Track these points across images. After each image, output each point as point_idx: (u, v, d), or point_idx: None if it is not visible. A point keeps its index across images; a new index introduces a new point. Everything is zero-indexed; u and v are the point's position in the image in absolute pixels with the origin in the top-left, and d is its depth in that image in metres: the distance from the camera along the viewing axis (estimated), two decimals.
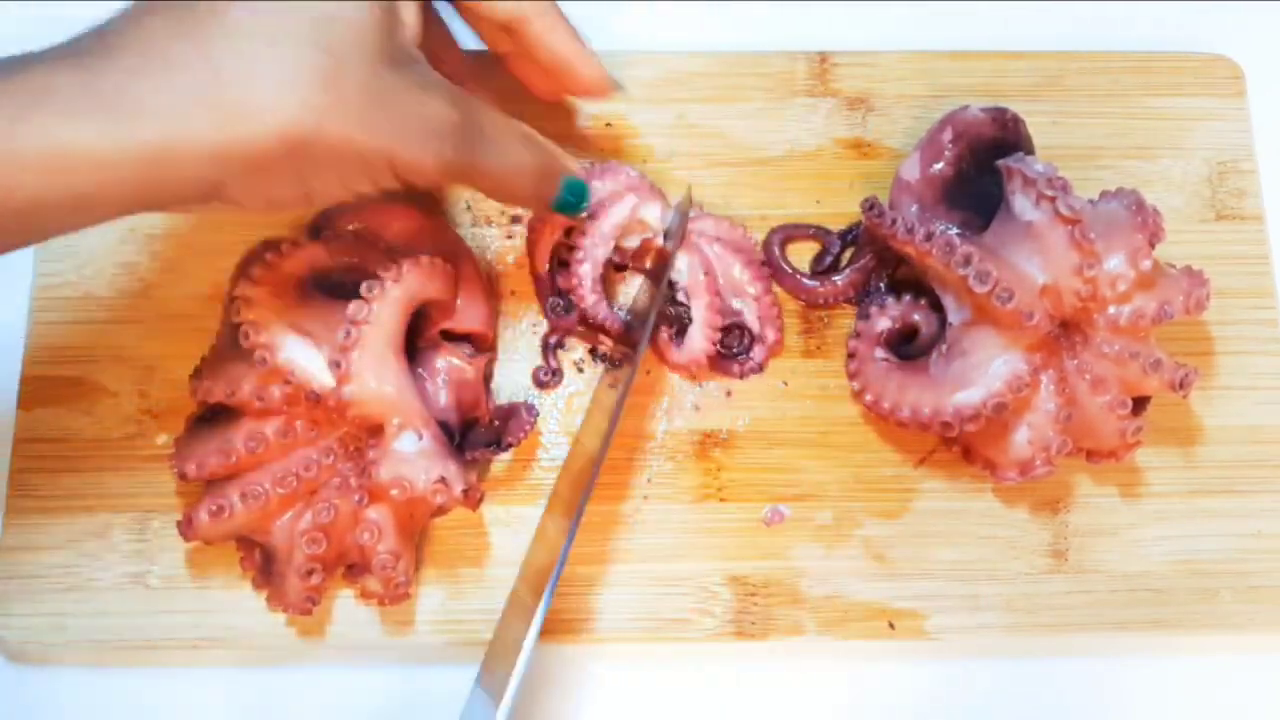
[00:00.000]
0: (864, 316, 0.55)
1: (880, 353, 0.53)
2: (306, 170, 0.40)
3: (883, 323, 0.54)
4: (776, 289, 0.56)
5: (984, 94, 0.58)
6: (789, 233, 0.57)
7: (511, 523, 0.53)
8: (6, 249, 0.39)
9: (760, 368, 0.55)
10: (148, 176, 0.37)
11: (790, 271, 0.56)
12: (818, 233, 0.57)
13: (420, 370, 0.51)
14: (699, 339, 0.54)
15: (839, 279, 0.56)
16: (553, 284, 0.54)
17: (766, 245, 0.57)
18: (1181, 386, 0.50)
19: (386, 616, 0.52)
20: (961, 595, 0.53)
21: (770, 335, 0.55)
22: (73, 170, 0.36)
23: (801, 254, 0.57)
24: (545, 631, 0.52)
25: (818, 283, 0.56)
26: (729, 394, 0.55)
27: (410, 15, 0.43)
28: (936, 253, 0.50)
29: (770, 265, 0.56)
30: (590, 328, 0.55)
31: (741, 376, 0.55)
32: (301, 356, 0.48)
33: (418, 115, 0.42)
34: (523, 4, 0.48)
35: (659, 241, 0.55)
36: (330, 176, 0.41)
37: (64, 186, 0.37)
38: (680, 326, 0.54)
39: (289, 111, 0.38)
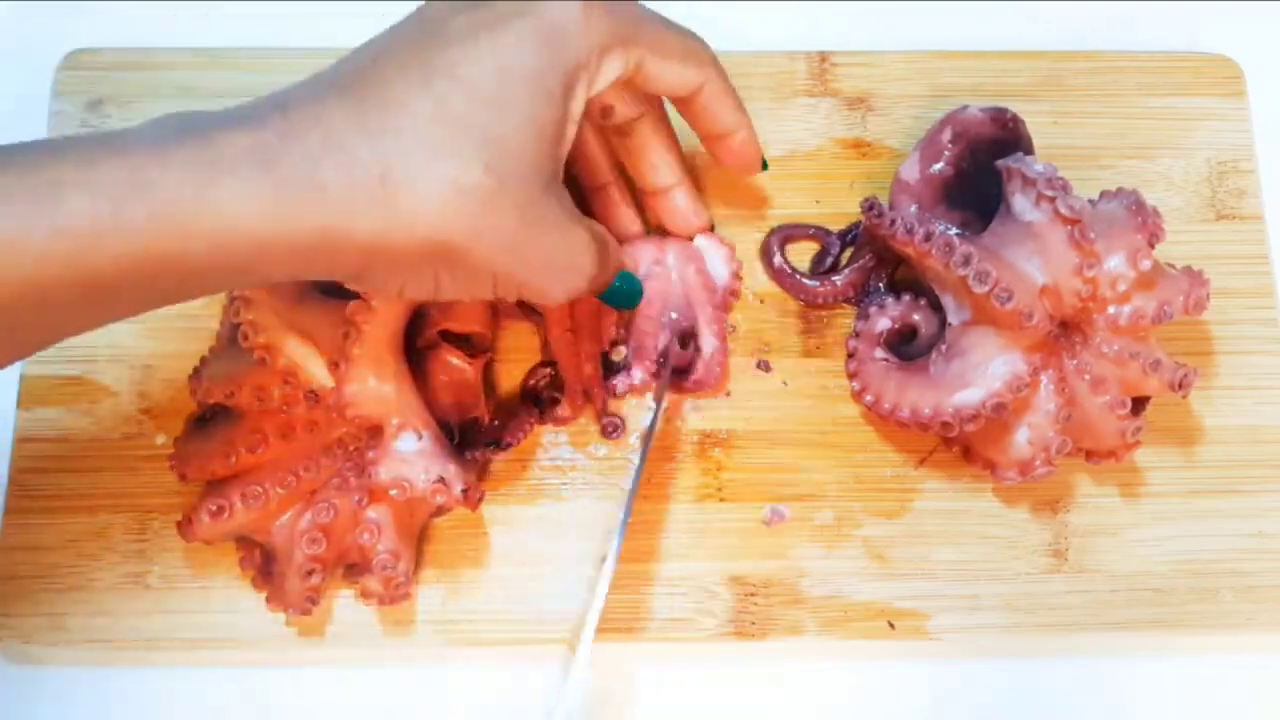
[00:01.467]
0: (864, 316, 0.55)
1: (880, 353, 0.53)
2: (444, 276, 0.41)
3: (882, 323, 0.54)
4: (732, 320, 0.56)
5: (984, 94, 0.58)
6: (789, 233, 0.57)
7: (511, 523, 0.53)
8: (150, 306, 0.39)
9: (715, 384, 0.55)
10: (305, 257, 0.38)
11: (790, 272, 0.56)
12: (817, 233, 0.57)
13: (419, 370, 0.51)
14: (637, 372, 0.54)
15: (839, 279, 0.56)
16: (600, 398, 0.54)
17: (766, 245, 0.57)
18: (1181, 386, 0.50)
19: (386, 616, 0.52)
20: (961, 595, 0.53)
21: (710, 344, 0.54)
22: (238, 246, 0.37)
23: (801, 254, 0.57)
24: (543, 632, 0.52)
25: (818, 283, 0.56)
26: (728, 394, 0.55)
27: (571, 136, 0.43)
28: (936, 253, 0.50)
29: (770, 266, 0.56)
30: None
31: (694, 392, 0.55)
32: (301, 356, 0.48)
33: (563, 248, 0.43)
34: (699, 72, 0.48)
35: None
36: (463, 284, 0.42)
37: (226, 258, 0.37)
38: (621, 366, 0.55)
39: (443, 225, 0.39)
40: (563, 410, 0.54)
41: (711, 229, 0.56)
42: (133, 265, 0.36)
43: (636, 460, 0.52)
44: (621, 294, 0.49)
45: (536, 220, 0.41)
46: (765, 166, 0.53)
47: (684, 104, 0.49)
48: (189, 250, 0.36)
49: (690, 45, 0.47)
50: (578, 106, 0.42)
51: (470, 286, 0.42)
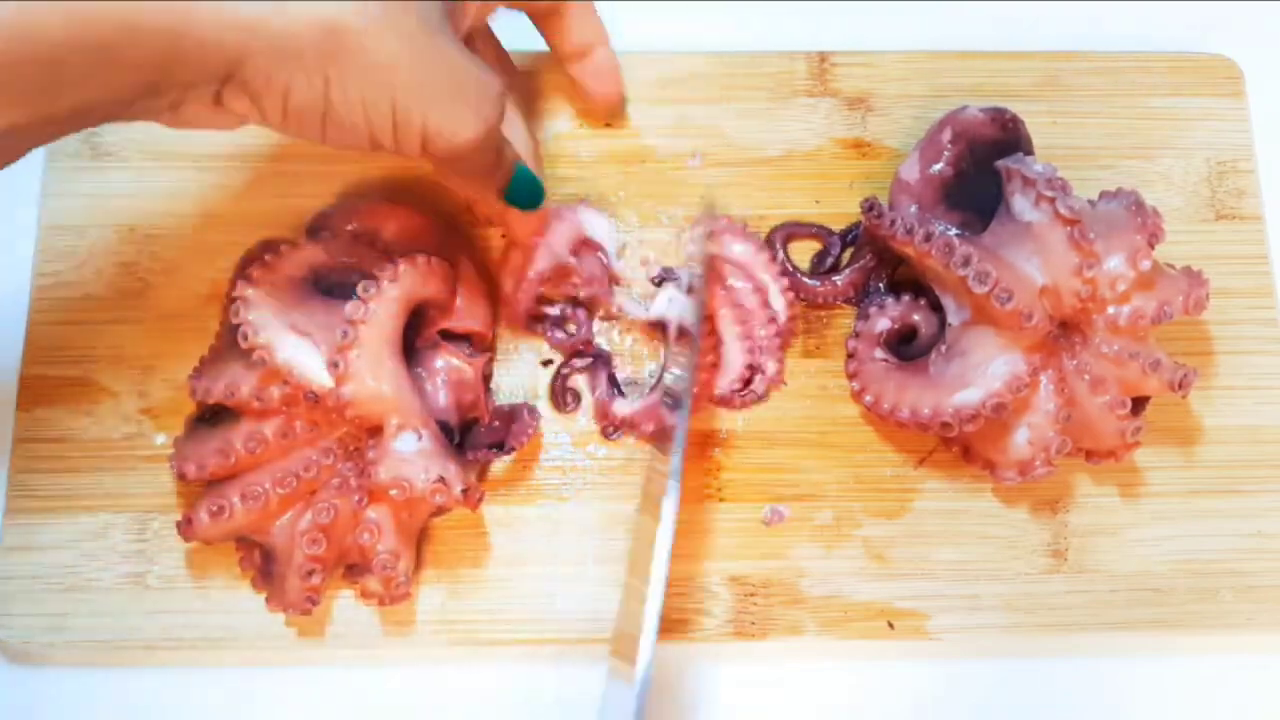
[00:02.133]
0: (864, 317, 0.55)
1: (880, 353, 0.53)
2: (335, 81, 0.39)
3: (882, 323, 0.54)
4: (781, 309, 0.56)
5: (984, 94, 0.58)
6: (791, 231, 0.57)
7: (511, 523, 0.53)
8: (19, 123, 0.36)
9: (761, 398, 0.55)
10: (173, 34, 0.36)
11: (791, 270, 0.56)
12: (819, 232, 0.57)
13: (419, 370, 0.51)
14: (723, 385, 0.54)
15: (839, 279, 0.56)
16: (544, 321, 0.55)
17: (769, 243, 0.57)
18: (1181, 387, 0.50)
19: (386, 616, 0.52)
20: (961, 595, 0.53)
21: (771, 368, 0.55)
22: (98, 16, 0.35)
23: (802, 254, 0.57)
24: (543, 632, 0.52)
25: (818, 282, 0.56)
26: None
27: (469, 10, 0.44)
28: (936, 253, 0.50)
29: (772, 263, 0.56)
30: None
31: (741, 408, 0.55)
32: (300, 356, 0.48)
33: (469, 73, 0.41)
34: None
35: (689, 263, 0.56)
36: (356, 99, 0.39)
37: (89, 36, 0.35)
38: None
39: (340, 4, 0.37)
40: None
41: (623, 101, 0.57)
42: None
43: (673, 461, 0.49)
44: (523, 187, 0.49)
45: (438, 31, 0.40)
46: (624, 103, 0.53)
47: (543, 17, 0.50)
48: (49, 25, 0.34)
49: None
50: None
51: (367, 111, 0.40)
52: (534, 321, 0.55)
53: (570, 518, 0.53)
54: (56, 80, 0.36)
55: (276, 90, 0.39)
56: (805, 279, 0.56)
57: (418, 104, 0.40)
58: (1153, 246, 0.50)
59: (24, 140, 0.38)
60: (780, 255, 0.57)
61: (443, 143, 0.42)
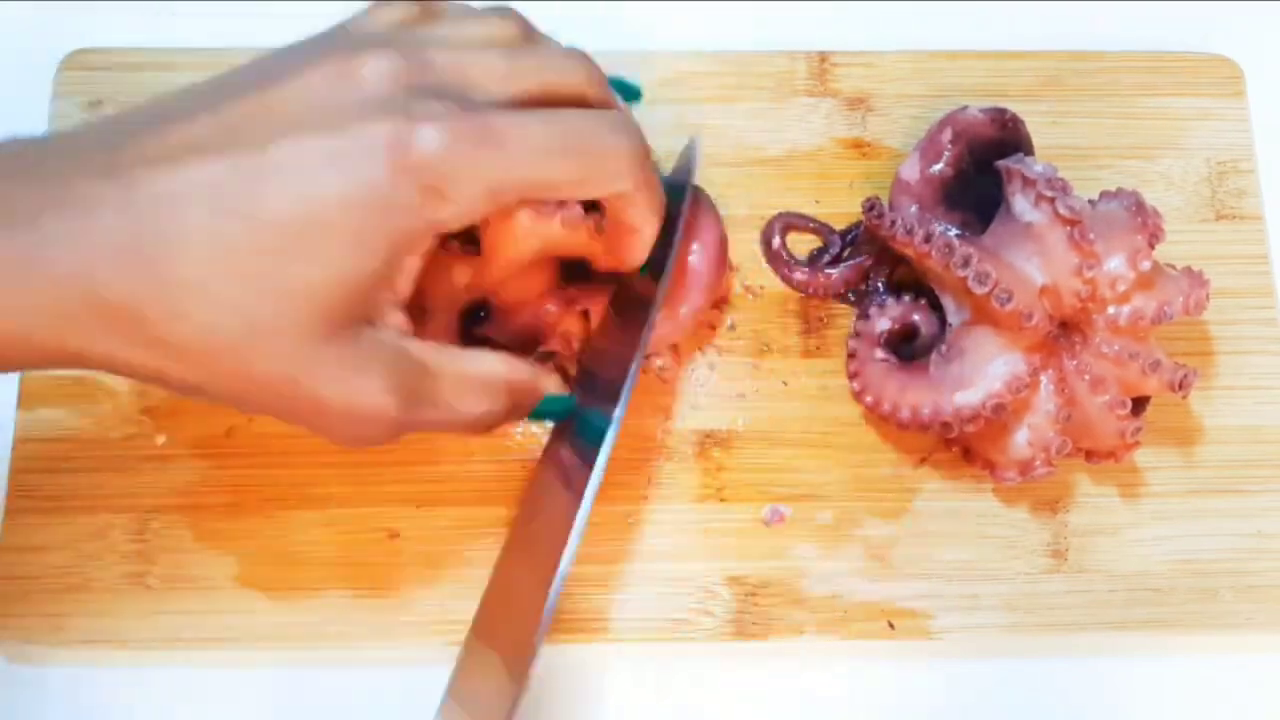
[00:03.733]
0: (863, 317, 0.55)
1: (880, 353, 0.53)
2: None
3: (882, 323, 0.54)
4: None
5: (984, 94, 0.58)
6: (791, 220, 0.57)
7: (512, 523, 0.53)
8: None
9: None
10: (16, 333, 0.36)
11: (786, 258, 0.56)
12: (820, 227, 0.57)
13: None
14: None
15: (834, 272, 0.56)
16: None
17: (767, 229, 0.57)
18: (1181, 387, 0.50)
19: (386, 616, 0.52)
20: (961, 595, 0.53)
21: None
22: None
23: (802, 252, 0.57)
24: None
25: (811, 274, 0.56)
26: (731, 395, 0.55)
27: (404, 279, 0.39)
28: (936, 254, 0.50)
29: (768, 249, 0.56)
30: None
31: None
32: None
33: (338, 397, 0.38)
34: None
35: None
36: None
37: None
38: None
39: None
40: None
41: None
42: None
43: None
44: (548, 415, 0.47)
45: (299, 374, 0.37)
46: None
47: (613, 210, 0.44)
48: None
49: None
50: (411, 263, 0.39)
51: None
52: None
53: None
54: None
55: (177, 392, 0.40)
56: (799, 268, 0.56)
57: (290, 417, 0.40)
58: (1153, 247, 0.50)
59: None
60: (777, 243, 0.57)
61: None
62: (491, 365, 0.43)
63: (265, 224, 0.35)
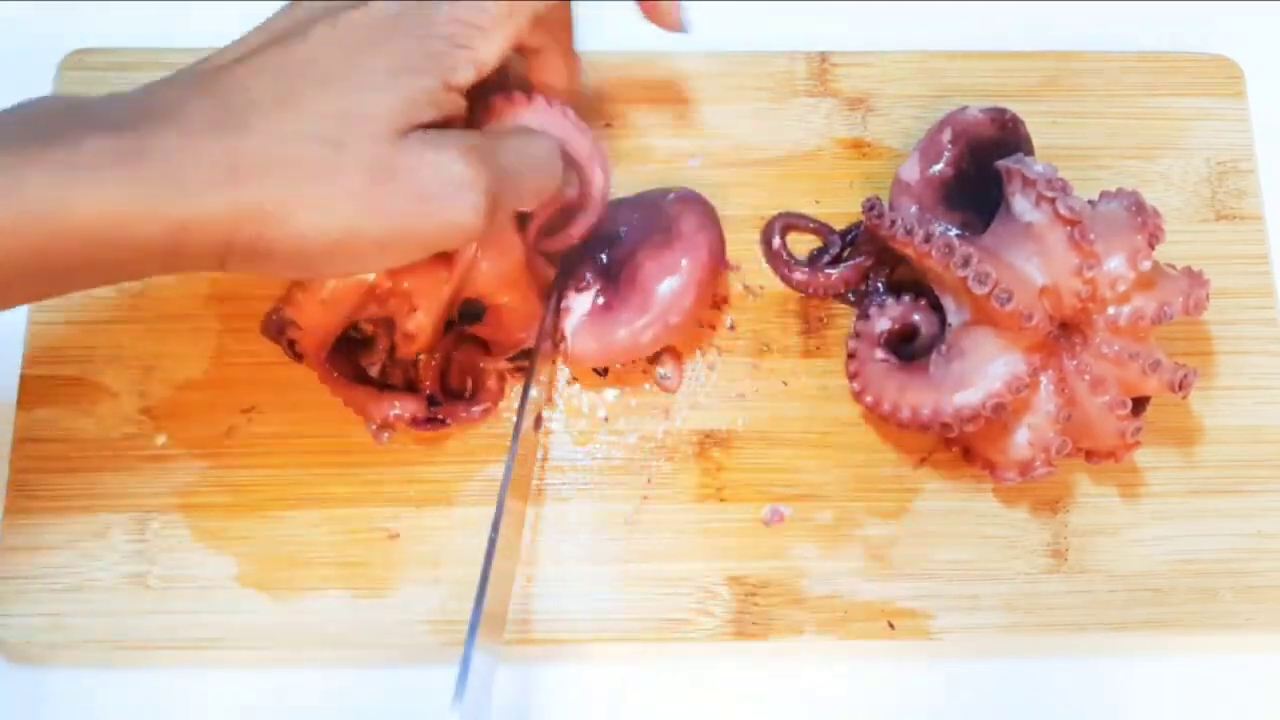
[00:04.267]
0: (864, 317, 0.55)
1: (880, 353, 0.53)
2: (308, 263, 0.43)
3: (882, 323, 0.54)
4: None
5: (984, 94, 0.58)
6: (791, 220, 0.57)
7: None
8: (41, 297, 0.42)
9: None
10: (173, 251, 0.40)
11: (786, 258, 0.56)
12: (820, 227, 0.57)
13: None
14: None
15: (833, 272, 0.56)
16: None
17: (768, 228, 0.57)
18: (1181, 387, 0.50)
19: (385, 617, 0.52)
20: (961, 595, 0.53)
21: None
22: (105, 243, 0.39)
23: (802, 251, 0.57)
24: (543, 632, 0.52)
25: (811, 274, 0.56)
26: (731, 395, 0.55)
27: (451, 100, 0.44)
28: (936, 254, 0.50)
29: (768, 248, 0.56)
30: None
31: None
32: None
33: (433, 179, 0.42)
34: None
35: None
36: (339, 257, 0.43)
37: (96, 253, 0.39)
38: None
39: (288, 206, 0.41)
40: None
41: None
42: (7, 259, 0.38)
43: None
44: None
45: (388, 170, 0.41)
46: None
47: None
48: (58, 248, 0.38)
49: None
50: (453, 98, 0.44)
51: (349, 257, 0.43)
52: None
53: (570, 518, 0.53)
54: (69, 274, 0.40)
55: (267, 275, 0.44)
56: (799, 267, 0.56)
57: (390, 234, 0.43)
58: (1153, 247, 0.50)
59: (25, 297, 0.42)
60: (777, 243, 0.57)
61: (441, 242, 0.44)
62: (537, 132, 0.48)
63: (320, 69, 0.42)
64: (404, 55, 0.42)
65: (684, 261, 0.52)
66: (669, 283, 0.52)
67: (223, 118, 0.40)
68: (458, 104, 0.44)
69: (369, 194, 0.41)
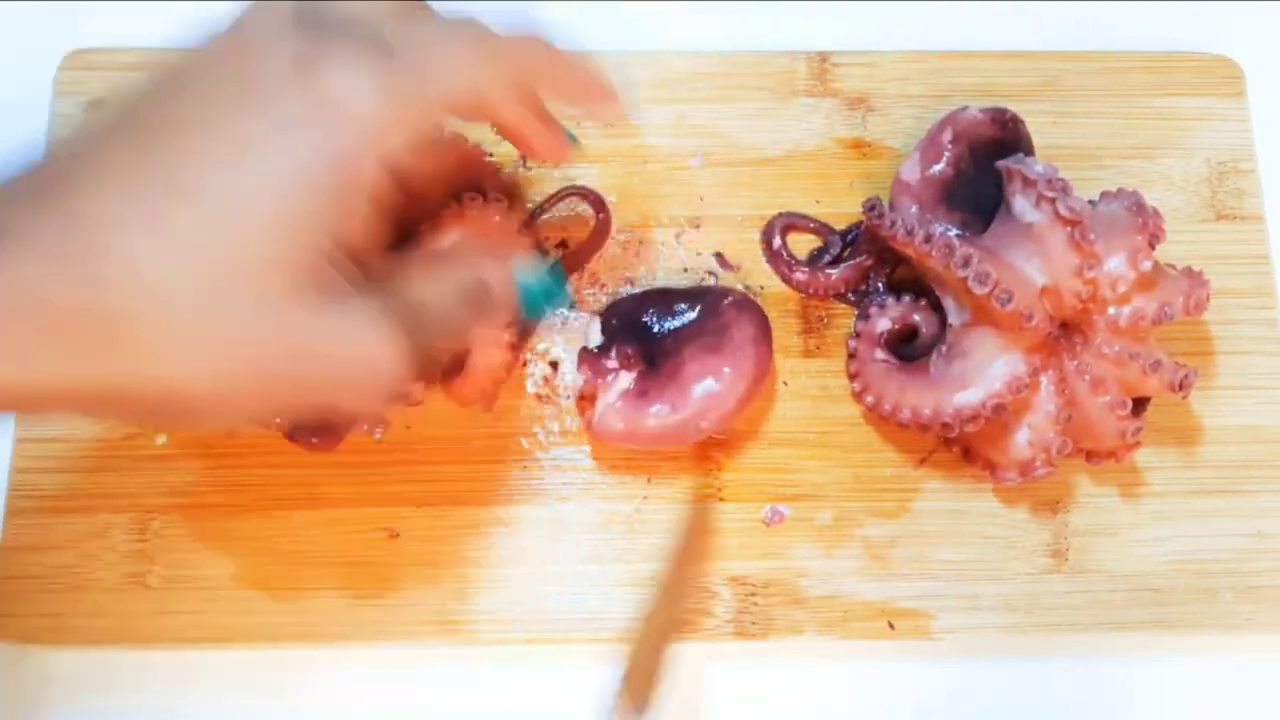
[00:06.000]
0: (864, 317, 0.55)
1: (880, 353, 0.53)
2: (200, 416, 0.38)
3: (883, 323, 0.54)
4: None
5: (984, 94, 0.58)
6: (792, 220, 0.57)
7: (513, 523, 0.53)
8: None
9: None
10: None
11: (787, 258, 0.56)
12: (820, 227, 0.57)
13: None
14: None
15: (833, 272, 0.56)
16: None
17: (768, 228, 0.57)
18: (1181, 388, 0.50)
19: (385, 616, 0.52)
20: (961, 595, 0.53)
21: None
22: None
23: (803, 251, 0.57)
24: (542, 632, 0.52)
25: (811, 274, 0.56)
26: None
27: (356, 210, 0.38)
28: (936, 254, 0.50)
29: (768, 248, 0.56)
30: None
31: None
32: None
33: (336, 346, 0.37)
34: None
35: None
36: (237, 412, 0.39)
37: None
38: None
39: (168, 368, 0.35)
40: None
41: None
42: None
43: None
44: (532, 299, 0.45)
45: (289, 332, 0.36)
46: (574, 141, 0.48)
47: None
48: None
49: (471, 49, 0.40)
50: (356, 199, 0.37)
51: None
52: None
53: (570, 518, 0.53)
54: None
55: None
56: (799, 267, 0.56)
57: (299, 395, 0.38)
58: (1153, 247, 0.50)
59: None
60: (777, 243, 0.57)
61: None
62: (440, 274, 0.42)
63: (206, 210, 0.34)
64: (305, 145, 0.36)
65: (727, 370, 0.51)
66: (710, 387, 0.50)
67: (78, 253, 0.33)
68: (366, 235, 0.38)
69: (260, 371, 0.36)
